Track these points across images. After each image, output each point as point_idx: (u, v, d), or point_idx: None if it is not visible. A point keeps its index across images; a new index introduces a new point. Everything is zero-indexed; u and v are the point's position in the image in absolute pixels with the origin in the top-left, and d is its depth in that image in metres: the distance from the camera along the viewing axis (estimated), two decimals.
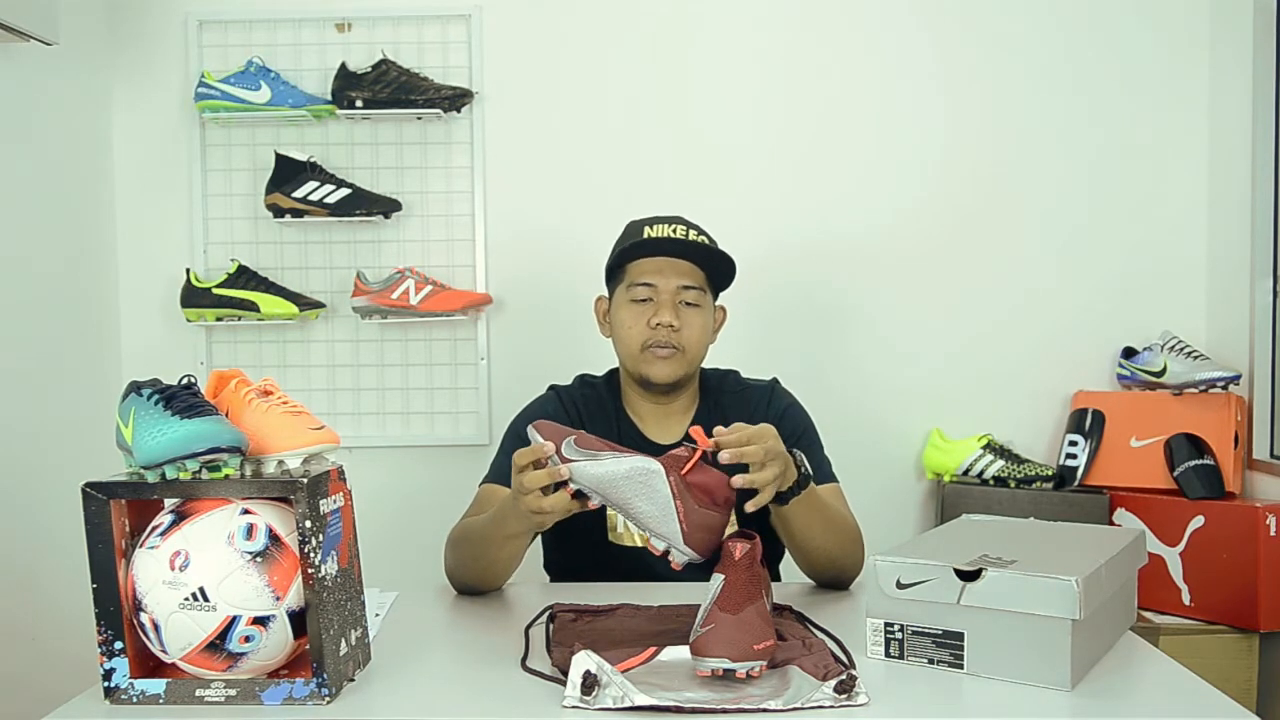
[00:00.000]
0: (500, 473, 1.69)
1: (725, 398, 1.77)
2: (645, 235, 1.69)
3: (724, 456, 1.26)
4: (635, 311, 1.69)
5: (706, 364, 1.80)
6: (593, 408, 1.76)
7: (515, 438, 1.73)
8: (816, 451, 1.73)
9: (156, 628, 1.12)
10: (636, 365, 1.70)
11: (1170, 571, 2.30)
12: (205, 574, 1.10)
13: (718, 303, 1.79)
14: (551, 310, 2.60)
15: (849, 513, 1.66)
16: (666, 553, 1.22)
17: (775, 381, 1.82)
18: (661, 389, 1.71)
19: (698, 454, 1.24)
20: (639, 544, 1.68)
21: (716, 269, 1.72)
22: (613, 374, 1.82)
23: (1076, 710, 1.12)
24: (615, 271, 1.75)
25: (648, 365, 1.69)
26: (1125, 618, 1.38)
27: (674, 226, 1.70)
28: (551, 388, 1.82)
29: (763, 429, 1.33)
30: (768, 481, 1.31)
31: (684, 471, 1.23)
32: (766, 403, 1.75)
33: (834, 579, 1.61)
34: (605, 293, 1.80)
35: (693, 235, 1.69)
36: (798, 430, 1.73)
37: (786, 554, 1.68)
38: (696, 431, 1.27)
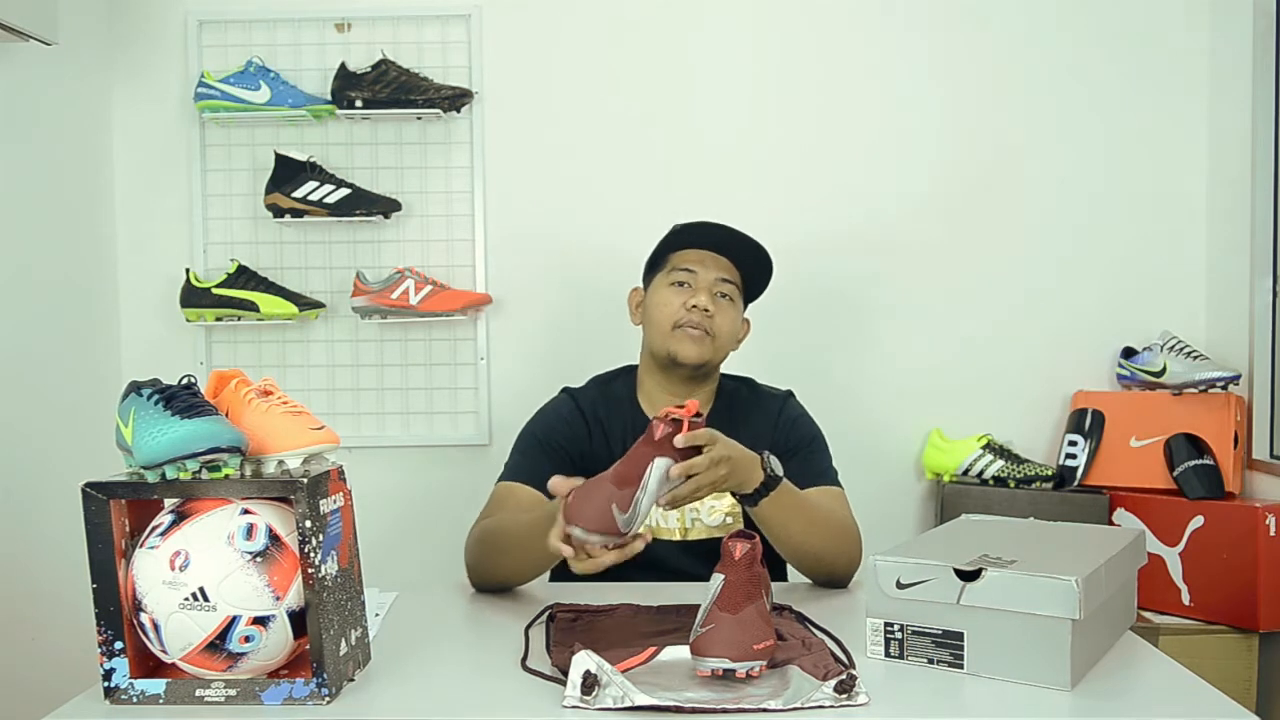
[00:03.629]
0: (518, 471, 1.73)
1: (739, 403, 1.82)
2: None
3: (675, 471, 1.33)
4: (672, 292, 1.76)
5: (724, 369, 1.84)
6: (611, 409, 1.80)
7: (533, 439, 1.77)
8: (822, 457, 1.78)
9: (156, 628, 1.12)
10: (666, 343, 1.74)
11: (1170, 571, 2.30)
12: (205, 574, 1.10)
13: (745, 314, 1.84)
14: (551, 310, 2.60)
15: (845, 512, 1.68)
16: None
17: (790, 393, 1.87)
18: (686, 371, 1.75)
19: (686, 425, 1.34)
20: None
21: (753, 273, 1.79)
22: (630, 370, 1.85)
23: (1076, 710, 1.12)
24: (657, 262, 1.81)
25: (677, 343, 1.73)
26: (1125, 618, 1.38)
27: (720, 225, 1.78)
28: (565, 390, 1.84)
29: (708, 436, 1.37)
30: (704, 485, 1.37)
31: (677, 445, 1.34)
32: (778, 411, 1.80)
33: (826, 576, 1.64)
34: (639, 285, 1.86)
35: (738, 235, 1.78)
36: (806, 438, 1.78)
37: None
38: (692, 405, 1.35)
